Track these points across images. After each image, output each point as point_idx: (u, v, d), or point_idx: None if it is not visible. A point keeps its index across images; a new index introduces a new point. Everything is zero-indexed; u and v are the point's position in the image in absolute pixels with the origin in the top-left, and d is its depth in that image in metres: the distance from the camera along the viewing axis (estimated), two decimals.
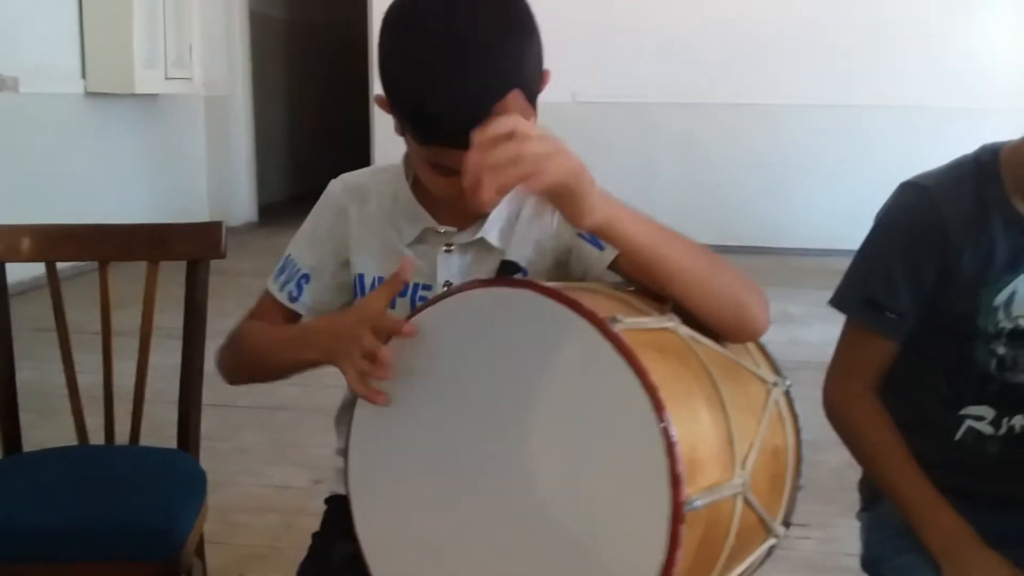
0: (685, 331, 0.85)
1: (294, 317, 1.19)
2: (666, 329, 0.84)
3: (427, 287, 1.11)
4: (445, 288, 1.07)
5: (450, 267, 1.10)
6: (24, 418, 1.61)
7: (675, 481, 0.71)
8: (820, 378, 1.30)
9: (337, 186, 1.21)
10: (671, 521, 0.71)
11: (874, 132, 6.11)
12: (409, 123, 0.96)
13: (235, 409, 3.16)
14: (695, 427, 0.78)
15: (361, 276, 1.16)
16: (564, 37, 5.96)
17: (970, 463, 1.22)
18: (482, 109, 0.90)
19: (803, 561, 2.29)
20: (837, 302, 1.25)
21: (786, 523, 0.93)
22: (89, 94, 5.43)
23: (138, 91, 5.52)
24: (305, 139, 8.79)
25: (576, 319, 0.77)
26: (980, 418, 1.22)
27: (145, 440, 1.64)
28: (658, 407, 0.72)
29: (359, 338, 0.91)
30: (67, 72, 5.30)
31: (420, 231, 1.13)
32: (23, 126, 4.91)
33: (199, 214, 6.65)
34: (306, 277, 1.18)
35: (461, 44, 0.91)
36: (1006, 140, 1.19)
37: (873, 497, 1.32)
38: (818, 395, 1.28)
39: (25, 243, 1.56)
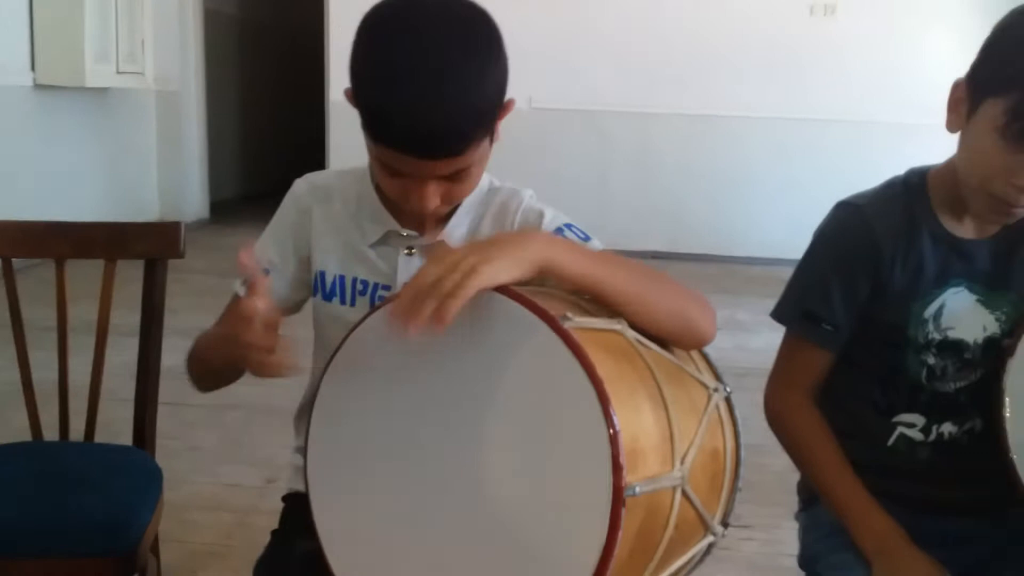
0: (632, 334, 0.90)
1: None
2: (614, 331, 0.89)
3: (387, 287, 1.15)
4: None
5: (411, 269, 1.14)
6: None
7: (616, 467, 0.76)
8: (765, 384, 1.36)
9: (302, 186, 1.24)
10: (611, 504, 0.76)
11: (824, 145, 6.29)
12: (365, 122, 1.01)
13: (188, 407, 3.13)
14: (637, 420, 0.83)
15: (323, 273, 1.20)
16: (521, 43, 5.96)
17: (902, 468, 1.28)
18: (433, 123, 0.97)
19: (746, 562, 2.35)
20: (777, 315, 1.32)
21: (724, 523, 0.98)
22: (38, 86, 5.33)
23: (89, 84, 5.42)
24: (257, 137, 8.73)
25: (529, 316, 0.82)
26: (911, 425, 1.28)
27: (99, 437, 1.65)
28: (603, 399, 0.77)
29: (238, 337, 0.95)
30: (15, 64, 5.19)
31: (383, 233, 1.17)
32: None
33: (150, 210, 6.57)
34: (265, 272, 1.20)
35: (422, 60, 0.97)
36: (932, 164, 1.26)
37: (811, 498, 1.38)
38: (762, 399, 1.35)
39: None
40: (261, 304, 0.95)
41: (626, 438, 0.78)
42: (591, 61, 6.36)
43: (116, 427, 1.67)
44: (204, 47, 7.03)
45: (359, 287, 1.18)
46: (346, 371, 0.95)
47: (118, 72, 5.78)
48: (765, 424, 1.35)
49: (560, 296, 0.93)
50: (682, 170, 6.52)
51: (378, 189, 1.17)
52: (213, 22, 7.29)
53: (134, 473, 1.51)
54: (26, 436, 1.63)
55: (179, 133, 6.91)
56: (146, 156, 6.71)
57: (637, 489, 0.78)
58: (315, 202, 1.21)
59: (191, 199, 7.01)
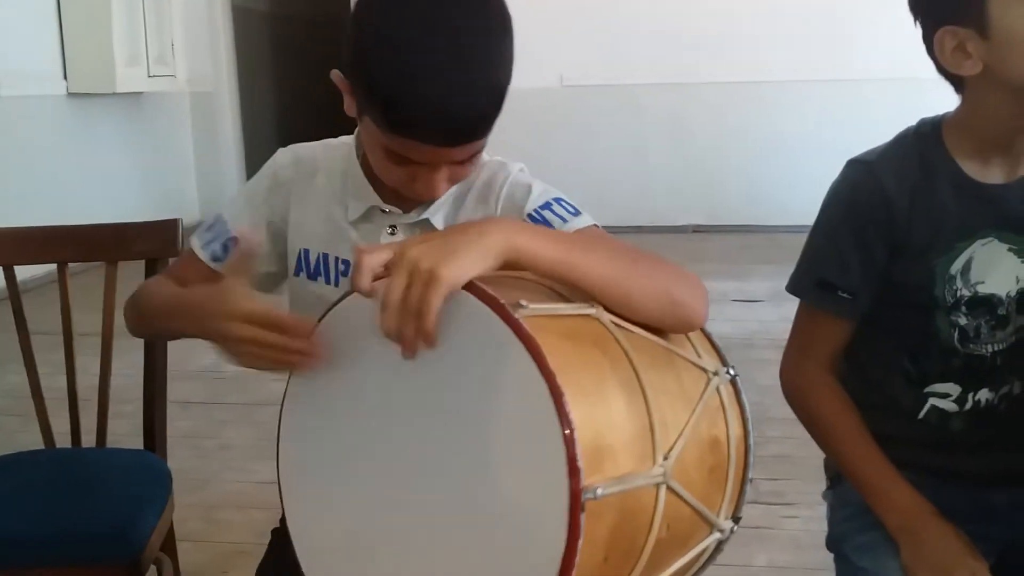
0: (608, 318, 0.82)
1: (213, 276, 1.14)
2: (586, 316, 0.82)
3: None
4: None
5: None
6: (12, 422, 1.61)
7: (572, 470, 0.70)
8: None
9: (285, 156, 1.19)
10: (569, 510, 0.70)
11: (866, 106, 6.06)
12: (380, 114, 0.95)
13: (220, 406, 3.15)
14: (604, 415, 0.76)
15: (306, 251, 1.15)
16: (551, 22, 5.98)
17: (934, 439, 1.21)
18: (459, 110, 0.92)
19: (790, 540, 2.28)
20: (792, 286, 1.24)
21: (735, 517, 0.90)
22: (71, 94, 5.40)
23: (120, 90, 5.48)
24: (293, 132, 8.71)
25: (477, 305, 0.76)
26: (945, 395, 1.20)
27: (113, 440, 1.63)
28: (555, 393, 0.70)
29: (234, 331, 0.89)
30: (48, 73, 5.27)
31: (365, 209, 1.12)
32: (5, 130, 4.87)
33: (190, 211, 6.62)
34: (234, 240, 1.14)
35: (440, 44, 0.92)
36: (944, 112, 1.18)
37: (837, 476, 1.31)
38: None
39: None
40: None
41: (589, 435, 0.72)
42: (621, 35, 6.23)
43: (133, 429, 1.65)
44: (235, 45, 7.06)
45: (341, 267, 1.13)
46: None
47: (149, 76, 5.83)
48: None
49: (534, 280, 0.86)
50: (719, 141, 6.37)
51: (363, 165, 1.12)
52: (243, 19, 7.31)
53: (142, 477, 1.50)
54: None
55: (215, 133, 6.96)
56: (184, 157, 6.77)
57: (599, 491, 0.71)
58: (297, 175, 1.16)
59: (230, 197, 7.05)
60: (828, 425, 1.21)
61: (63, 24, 5.34)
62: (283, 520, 1.24)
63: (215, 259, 1.15)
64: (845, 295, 1.18)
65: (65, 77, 5.37)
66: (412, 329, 0.78)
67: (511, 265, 0.83)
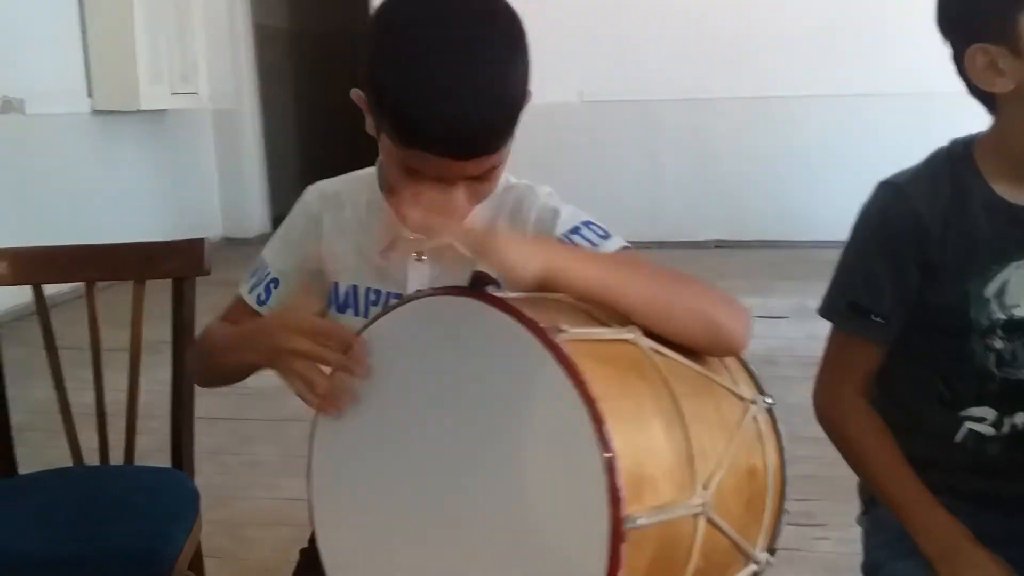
0: (647, 343, 0.81)
1: None
2: (625, 340, 0.81)
3: (398, 295, 1.09)
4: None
5: (421, 276, 1.09)
6: (38, 438, 1.61)
7: (614, 498, 0.68)
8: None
9: (312, 194, 1.21)
10: (611, 540, 0.68)
11: (885, 121, 6.03)
12: (392, 127, 0.95)
13: (247, 422, 3.15)
14: (644, 443, 0.75)
15: (336, 284, 1.15)
16: (570, 37, 5.99)
17: (970, 463, 1.19)
18: (471, 121, 0.91)
19: (820, 562, 2.25)
20: (824, 310, 1.23)
21: (771, 549, 0.88)
22: (96, 112, 5.45)
23: (144, 107, 5.53)
24: (317, 147, 8.79)
25: (517, 328, 0.75)
26: (981, 419, 1.18)
27: (141, 457, 1.63)
28: (596, 420, 0.69)
29: (287, 343, 0.91)
30: (73, 91, 5.32)
31: (392, 238, 1.11)
32: (30, 147, 4.93)
33: (212, 228, 6.66)
34: (275, 281, 1.17)
35: (453, 56, 0.92)
36: (977, 132, 1.16)
37: (871, 500, 1.29)
38: None
39: (4, 267, 1.55)
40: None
41: (629, 463, 0.70)
42: (641, 50, 6.22)
43: (160, 445, 1.65)
44: (257, 63, 7.10)
45: (371, 297, 1.13)
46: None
47: (172, 93, 5.87)
48: None
49: (570, 303, 0.85)
50: (740, 155, 6.34)
51: (387, 194, 1.12)
52: (264, 37, 7.36)
53: (170, 496, 1.49)
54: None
55: (238, 150, 6.99)
56: (207, 175, 6.81)
57: (640, 521, 0.69)
58: (325, 210, 1.18)
59: (253, 215, 7.08)
60: (863, 450, 1.20)
61: (87, 42, 5.40)
62: (312, 540, 1.24)
63: (260, 303, 1.17)
64: (878, 319, 1.17)
65: (90, 95, 5.42)
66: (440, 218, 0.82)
67: (547, 286, 0.82)
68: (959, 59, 1.10)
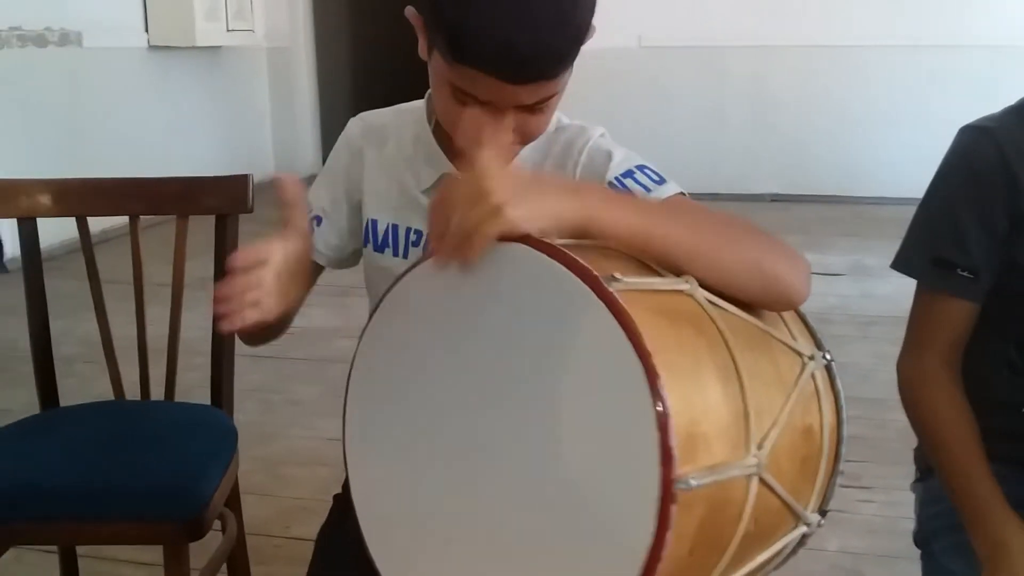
0: (703, 295, 0.76)
1: (313, 265, 1.14)
2: (680, 292, 0.76)
3: None
4: None
5: None
6: (89, 369, 1.61)
7: (666, 457, 0.64)
8: (894, 332, 1.19)
9: (356, 126, 1.16)
10: (660, 501, 0.64)
11: (957, 73, 5.79)
12: (447, 40, 0.89)
13: (289, 361, 3.17)
14: (700, 399, 0.70)
15: (375, 222, 1.12)
16: None
17: None
18: (532, 40, 0.86)
19: (865, 525, 2.20)
20: (901, 264, 1.14)
21: (822, 511, 0.84)
22: (152, 47, 5.47)
23: (200, 44, 5.54)
24: (369, 88, 8.74)
25: (569, 276, 0.70)
26: None
27: (182, 395, 1.63)
28: (651, 375, 0.65)
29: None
30: (130, 26, 5.34)
31: (438, 176, 1.07)
32: (87, 80, 4.96)
33: (265, 165, 6.69)
34: (318, 219, 1.14)
35: None
36: None
37: (928, 469, 1.22)
38: (890, 350, 1.18)
39: (49, 199, 1.54)
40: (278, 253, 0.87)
41: (684, 421, 0.66)
42: None
43: (203, 381, 1.65)
44: (312, 1, 7.05)
45: (412, 237, 1.09)
46: (383, 333, 0.86)
47: (228, 30, 5.87)
48: (887, 377, 1.19)
49: (619, 253, 0.80)
50: (802, 106, 6.15)
51: (436, 130, 1.07)
52: None
53: (207, 434, 1.49)
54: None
55: (291, 88, 6.99)
56: (260, 112, 6.82)
57: (692, 482, 0.65)
58: (367, 144, 1.13)
59: (305, 153, 7.10)
60: (937, 428, 1.11)
61: None
62: (346, 486, 1.22)
63: None
64: (966, 274, 1.08)
65: (146, 30, 5.43)
66: (454, 250, 0.76)
67: (583, 233, 0.77)
68: None
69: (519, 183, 0.77)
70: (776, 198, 6.18)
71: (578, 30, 0.89)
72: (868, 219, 5.56)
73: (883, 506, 2.25)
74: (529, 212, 0.74)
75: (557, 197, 0.77)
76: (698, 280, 0.78)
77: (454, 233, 0.75)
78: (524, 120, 0.94)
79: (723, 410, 0.72)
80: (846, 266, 4.38)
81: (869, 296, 3.82)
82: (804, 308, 0.88)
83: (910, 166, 5.87)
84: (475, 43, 0.86)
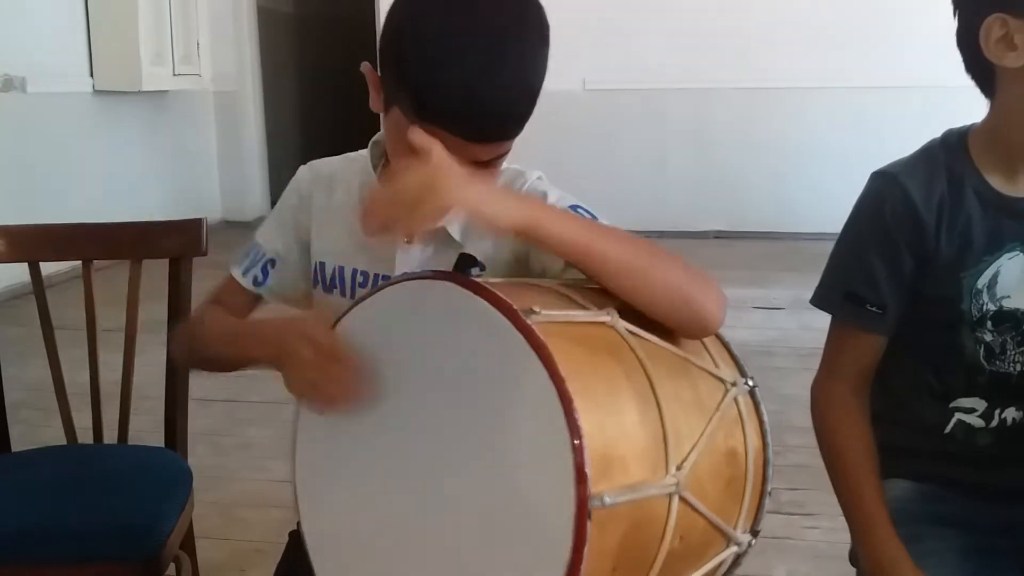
0: (623, 325, 0.82)
1: (256, 301, 1.19)
2: (601, 323, 0.81)
3: (387, 277, 1.10)
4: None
5: (409, 260, 1.09)
6: (35, 416, 1.61)
7: (580, 476, 0.69)
8: None
9: (306, 173, 1.21)
10: (575, 518, 0.69)
11: (886, 114, 6.01)
12: (410, 97, 0.94)
13: (241, 404, 3.16)
14: (615, 423, 0.76)
15: (322, 264, 1.16)
16: (574, 24, 5.93)
17: (961, 455, 1.19)
18: (495, 103, 0.92)
19: (810, 550, 2.26)
20: (817, 299, 1.22)
21: (754, 531, 0.89)
22: (97, 92, 5.44)
23: (146, 88, 5.53)
24: (317, 132, 8.77)
25: (490, 311, 0.75)
26: (971, 410, 1.18)
27: (135, 438, 1.64)
28: (565, 399, 0.70)
29: (301, 350, 0.89)
30: (75, 71, 5.31)
31: None
32: (32, 126, 4.92)
33: (212, 210, 6.66)
34: (272, 262, 1.18)
35: (481, 37, 0.92)
36: (970, 123, 1.16)
37: None
38: None
39: (3, 244, 1.55)
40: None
41: (599, 443, 0.71)
42: (645, 38, 6.21)
43: (154, 426, 1.65)
44: (260, 45, 7.08)
45: (359, 278, 1.13)
46: None
47: (175, 74, 5.87)
48: None
49: (550, 288, 0.86)
50: (743, 146, 6.33)
51: (380, 177, 1.12)
52: (267, 20, 7.33)
53: (162, 475, 1.50)
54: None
55: (238, 132, 6.99)
56: (206, 157, 6.81)
57: (608, 500, 0.70)
58: (316, 190, 1.18)
59: (252, 196, 7.08)
60: (837, 449, 1.19)
61: (90, 22, 5.39)
62: (299, 525, 1.25)
63: (257, 284, 1.17)
64: (874, 309, 1.16)
65: (92, 75, 5.41)
66: (395, 214, 0.81)
67: (527, 236, 0.84)
68: (969, 30, 1.08)
69: (469, 174, 0.83)
70: (720, 235, 6.32)
71: (536, 92, 0.96)
72: (807, 254, 5.67)
73: (827, 532, 2.30)
74: (479, 196, 0.80)
75: (507, 195, 0.84)
76: (625, 298, 0.84)
77: (393, 201, 0.80)
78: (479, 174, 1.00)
79: (640, 433, 0.77)
80: (787, 300, 4.49)
81: (808, 328, 3.91)
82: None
83: (847, 203, 6.00)
84: (441, 102, 0.92)
